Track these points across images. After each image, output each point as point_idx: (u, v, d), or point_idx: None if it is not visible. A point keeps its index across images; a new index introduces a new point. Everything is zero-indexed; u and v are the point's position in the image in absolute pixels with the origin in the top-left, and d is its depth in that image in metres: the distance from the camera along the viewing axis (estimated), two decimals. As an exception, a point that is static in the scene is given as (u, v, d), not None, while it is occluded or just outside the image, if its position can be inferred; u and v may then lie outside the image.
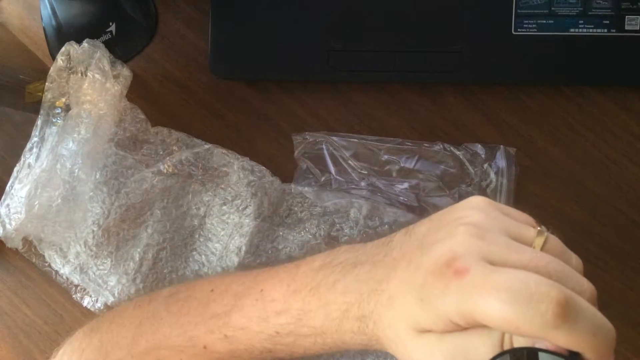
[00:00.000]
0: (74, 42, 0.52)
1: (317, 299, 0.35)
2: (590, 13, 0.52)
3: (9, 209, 0.50)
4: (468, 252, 0.28)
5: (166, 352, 0.41)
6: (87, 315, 0.54)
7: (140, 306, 0.44)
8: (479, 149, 0.53)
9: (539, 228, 0.30)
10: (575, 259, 0.31)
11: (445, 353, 0.29)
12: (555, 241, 0.30)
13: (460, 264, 0.27)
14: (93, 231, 0.53)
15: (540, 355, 0.26)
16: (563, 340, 0.25)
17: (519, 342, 0.28)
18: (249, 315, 0.38)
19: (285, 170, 0.55)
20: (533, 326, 0.25)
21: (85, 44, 0.52)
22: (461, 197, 0.53)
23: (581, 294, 0.27)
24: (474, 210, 0.31)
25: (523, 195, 0.53)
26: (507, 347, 0.28)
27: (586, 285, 0.28)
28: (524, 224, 0.31)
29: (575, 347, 0.26)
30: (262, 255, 0.53)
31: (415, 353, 0.30)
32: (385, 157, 0.54)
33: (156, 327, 0.42)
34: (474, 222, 0.29)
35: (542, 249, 0.29)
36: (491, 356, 0.28)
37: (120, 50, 0.57)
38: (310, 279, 0.36)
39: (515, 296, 0.25)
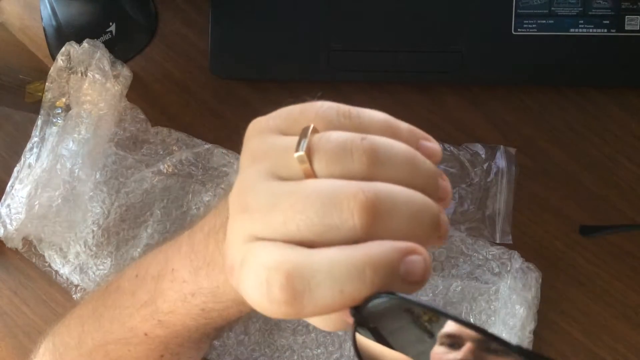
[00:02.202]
0: (74, 42, 0.52)
1: (217, 272, 0.34)
2: (590, 13, 0.52)
3: (10, 209, 0.50)
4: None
5: (113, 346, 0.41)
6: (87, 315, 0.54)
7: (84, 304, 0.44)
8: (479, 149, 0.53)
9: (299, 152, 0.25)
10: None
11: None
12: (328, 144, 0.24)
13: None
14: (93, 231, 0.53)
15: None
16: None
17: None
18: (170, 299, 0.37)
19: (285, 170, 0.55)
20: None
21: (85, 44, 0.52)
22: (461, 198, 0.53)
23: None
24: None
25: (523, 195, 0.53)
26: None
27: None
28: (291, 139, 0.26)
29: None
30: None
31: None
32: (385, 157, 0.54)
33: (98, 324, 0.41)
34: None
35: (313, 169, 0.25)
36: None
37: (120, 50, 0.57)
38: (205, 252, 0.34)
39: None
